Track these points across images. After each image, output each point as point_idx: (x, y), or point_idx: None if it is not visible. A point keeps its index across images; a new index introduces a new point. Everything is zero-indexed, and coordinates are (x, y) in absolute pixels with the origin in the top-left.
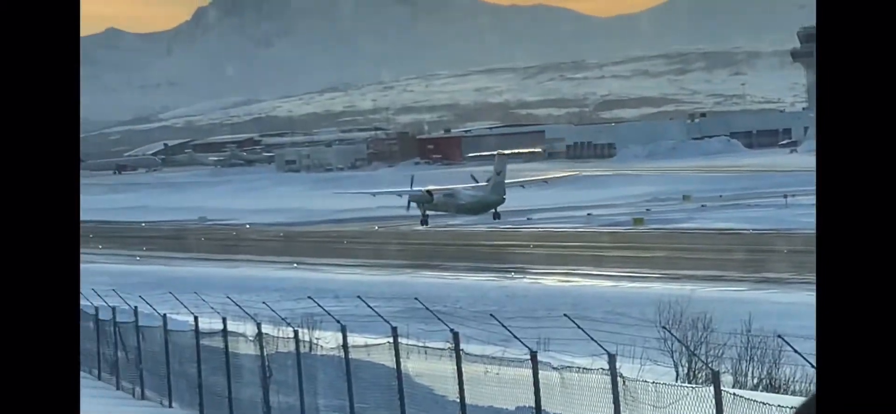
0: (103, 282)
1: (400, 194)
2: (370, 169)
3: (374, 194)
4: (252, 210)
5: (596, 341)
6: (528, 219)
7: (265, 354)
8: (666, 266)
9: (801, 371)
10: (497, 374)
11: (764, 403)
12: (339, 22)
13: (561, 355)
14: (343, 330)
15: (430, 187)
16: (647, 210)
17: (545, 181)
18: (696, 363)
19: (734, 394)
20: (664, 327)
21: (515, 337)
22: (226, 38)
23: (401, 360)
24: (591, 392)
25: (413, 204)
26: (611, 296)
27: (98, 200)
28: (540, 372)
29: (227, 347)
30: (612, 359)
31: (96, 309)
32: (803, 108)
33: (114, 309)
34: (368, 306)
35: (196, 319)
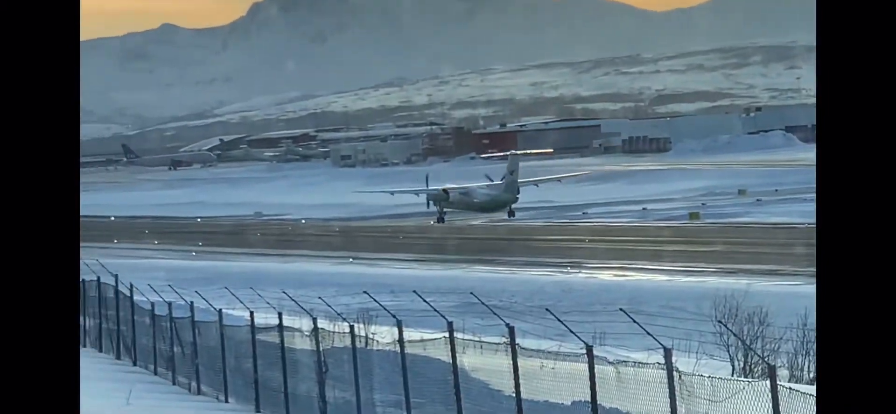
0: (159, 277)
1: (418, 193)
2: (425, 164)
3: (392, 193)
4: (308, 205)
5: (652, 335)
6: (584, 213)
7: (321, 349)
8: (722, 260)
9: None
10: (553, 368)
11: None
12: (394, 17)
13: (617, 350)
14: (399, 325)
15: (447, 186)
16: (703, 204)
17: (559, 180)
18: (752, 357)
19: (790, 388)
20: (720, 322)
21: (571, 331)
22: (281, 33)
23: (457, 354)
24: (646, 386)
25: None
26: (667, 290)
27: (154, 196)
28: (596, 366)
29: (282, 342)
30: (668, 353)
31: (152, 304)
32: None
33: (170, 304)
34: (424, 301)
35: (252, 314)
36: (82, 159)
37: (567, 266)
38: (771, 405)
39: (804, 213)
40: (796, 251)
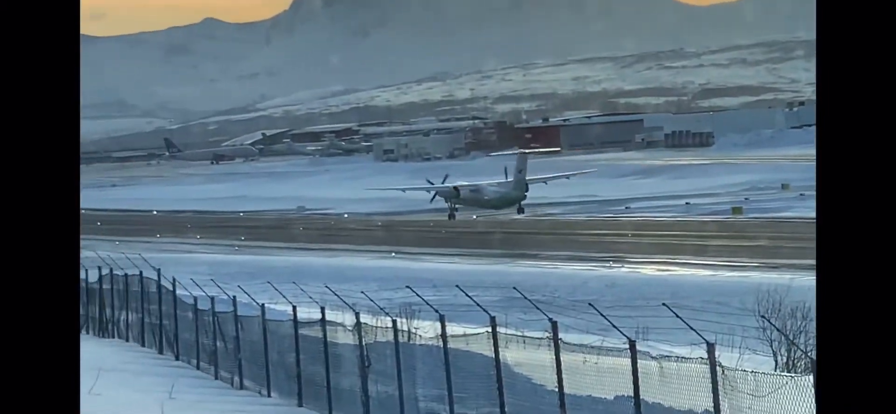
0: (202, 272)
1: (428, 189)
2: (468, 158)
3: (404, 190)
4: (350, 199)
5: (695, 330)
6: (627, 208)
7: (364, 343)
8: (765, 255)
9: None
10: (595, 363)
11: None
12: (436, 11)
13: (660, 344)
14: (441, 320)
15: (457, 183)
16: (746, 199)
17: (567, 177)
18: (795, 352)
19: None
20: (763, 317)
21: (614, 326)
22: (323, 27)
23: (499, 349)
24: (689, 381)
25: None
26: (709, 285)
27: (196, 190)
28: (638, 361)
29: (325, 336)
30: (710, 348)
31: (195, 299)
32: None
33: (212, 299)
34: (467, 296)
35: (295, 308)
36: (125, 154)
37: (610, 261)
38: (814, 401)
39: None
40: None
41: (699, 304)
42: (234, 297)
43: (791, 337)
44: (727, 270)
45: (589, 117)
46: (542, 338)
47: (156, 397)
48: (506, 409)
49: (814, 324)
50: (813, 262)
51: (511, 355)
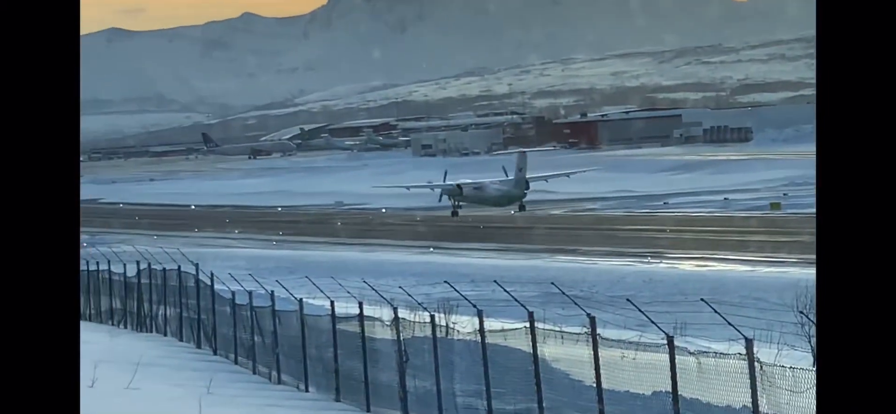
0: (240, 266)
1: (432, 188)
2: (506, 153)
3: (408, 188)
4: (388, 194)
5: (733, 326)
6: (665, 203)
7: (401, 338)
8: (804, 251)
9: None
10: (633, 358)
11: None
12: (474, 5)
13: (698, 340)
14: (480, 314)
15: (460, 181)
16: (785, 194)
17: (567, 175)
18: None
19: None
20: (801, 312)
21: (652, 322)
22: (362, 22)
23: (537, 344)
24: (727, 377)
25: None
26: (748, 280)
27: (234, 185)
28: (676, 357)
29: (363, 331)
30: (749, 344)
31: (233, 293)
32: None
33: (250, 293)
34: (505, 291)
35: (332, 303)
36: (163, 148)
37: (648, 256)
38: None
39: None
40: None
41: (737, 299)
42: (273, 291)
43: None
44: (766, 266)
45: (627, 112)
46: (580, 333)
47: (194, 392)
48: (543, 404)
49: None
50: None
51: (549, 351)
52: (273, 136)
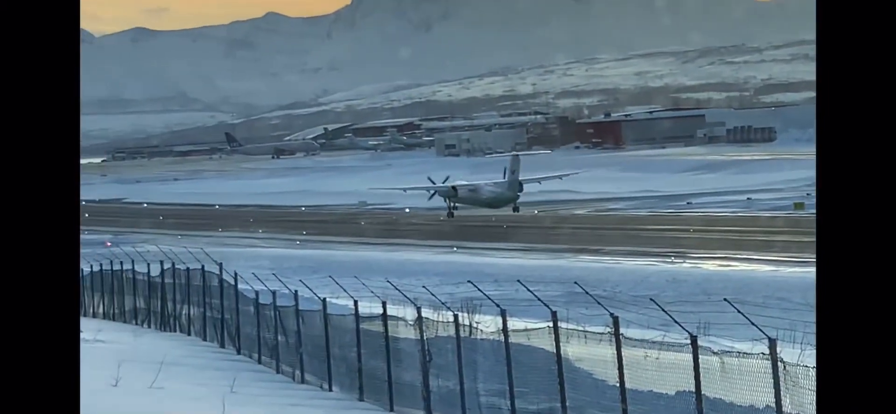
0: (264, 266)
1: (428, 189)
2: (530, 153)
3: (404, 190)
4: (412, 194)
5: (756, 326)
6: (688, 203)
7: (425, 338)
8: None
9: None
10: (657, 358)
11: None
12: (499, 5)
13: (721, 340)
14: (503, 314)
15: (455, 183)
16: (808, 194)
17: (559, 178)
18: None
19: None
20: None
21: (675, 321)
22: (386, 21)
23: (561, 344)
24: (751, 377)
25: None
26: (771, 280)
27: (257, 184)
28: (700, 356)
29: (386, 331)
30: (772, 344)
31: (256, 293)
32: None
33: (274, 293)
34: (528, 290)
35: (356, 303)
36: (187, 147)
37: (672, 256)
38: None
39: None
40: None
41: (761, 299)
42: (296, 291)
43: None
44: (789, 266)
45: (651, 112)
46: (603, 333)
47: (217, 391)
48: (567, 403)
49: None
50: None
51: (572, 350)
52: (297, 136)
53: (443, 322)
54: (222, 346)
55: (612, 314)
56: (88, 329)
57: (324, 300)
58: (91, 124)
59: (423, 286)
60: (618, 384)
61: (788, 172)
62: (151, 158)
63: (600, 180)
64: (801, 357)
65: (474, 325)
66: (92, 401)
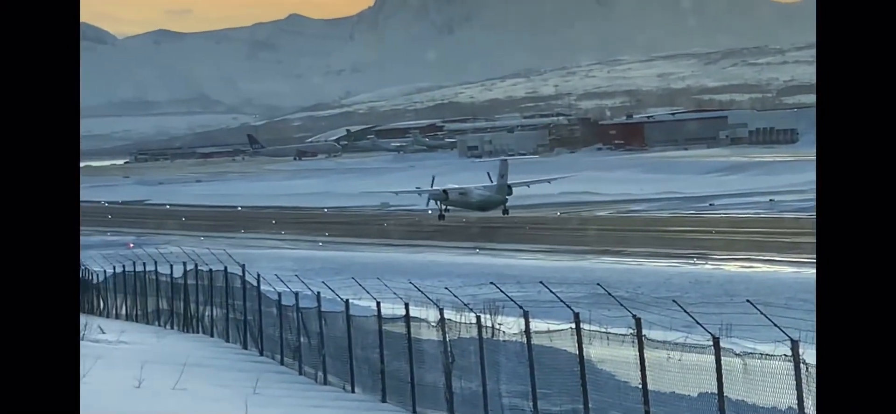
0: (286, 267)
1: (420, 193)
2: (552, 155)
3: (396, 193)
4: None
5: (779, 327)
6: (711, 204)
7: (447, 339)
8: None
9: None
10: (679, 360)
11: None
12: (521, 7)
13: (744, 341)
14: (526, 316)
15: (446, 187)
16: None
17: (549, 182)
18: None
19: None
20: None
21: (698, 323)
22: (409, 23)
23: (583, 345)
24: (773, 378)
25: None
26: (794, 282)
27: (280, 186)
28: (722, 358)
29: (409, 332)
30: (795, 345)
31: (279, 294)
32: None
33: (296, 294)
34: (551, 292)
35: (379, 304)
36: (210, 149)
37: (694, 257)
38: None
39: None
40: None
41: (783, 301)
42: (319, 293)
43: None
44: (812, 267)
45: (673, 114)
46: (625, 334)
47: (240, 392)
48: (589, 405)
49: None
50: None
51: (595, 352)
52: (319, 138)
53: (465, 323)
54: (245, 347)
55: (634, 316)
56: (111, 330)
57: (346, 301)
58: (114, 126)
59: (446, 288)
60: (640, 386)
61: (811, 174)
62: (174, 160)
63: (623, 182)
64: None
65: (497, 326)
66: (115, 402)
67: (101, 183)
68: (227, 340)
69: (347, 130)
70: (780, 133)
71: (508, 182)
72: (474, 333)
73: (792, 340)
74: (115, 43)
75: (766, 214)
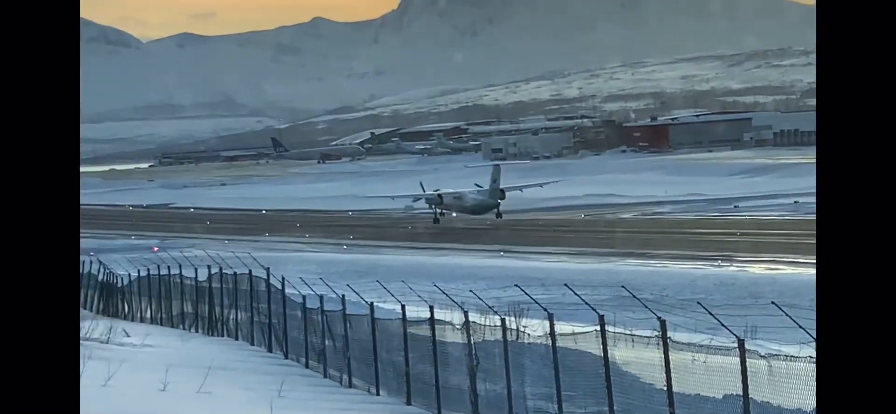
0: (311, 270)
1: (415, 198)
2: (576, 157)
3: (393, 198)
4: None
5: (804, 329)
6: (735, 207)
7: (472, 342)
8: None
9: None
10: (704, 362)
11: None
12: (545, 10)
13: (768, 343)
14: (550, 318)
15: (440, 191)
16: None
17: (541, 186)
18: None
19: None
20: None
21: (722, 325)
22: (432, 26)
23: (608, 348)
24: (798, 380)
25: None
26: None
27: (304, 189)
28: (747, 360)
29: (434, 335)
30: None
31: (304, 298)
32: None
33: (321, 297)
34: (576, 294)
35: (403, 307)
36: (233, 153)
37: (719, 259)
38: None
39: None
40: None
41: (808, 302)
42: (343, 295)
43: None
44: None
45: (697, 116)
46: (650, 336)
47: (265, 395)
48: (614, 407)
49: None
50: None
51: (620, 354)
52: (344, 141)
53: (490, 326)
54: (270, 350)
55: (659, 318)
56: (136, 333)
57: (371, 304)
58: (138, 130)
59: (471, 290)
60: (665, 388)
61: None
62: (199, 163)
63: (647, 184)
64: None
65: (521, 329)
66: (140, 405)
67: (125, 187)
68: (252, 344)
69: (372, 133)
70: (805, 135)
71: (501, 186)
72: (499, 335)
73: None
74: (140, 47)
75: (791, 216)
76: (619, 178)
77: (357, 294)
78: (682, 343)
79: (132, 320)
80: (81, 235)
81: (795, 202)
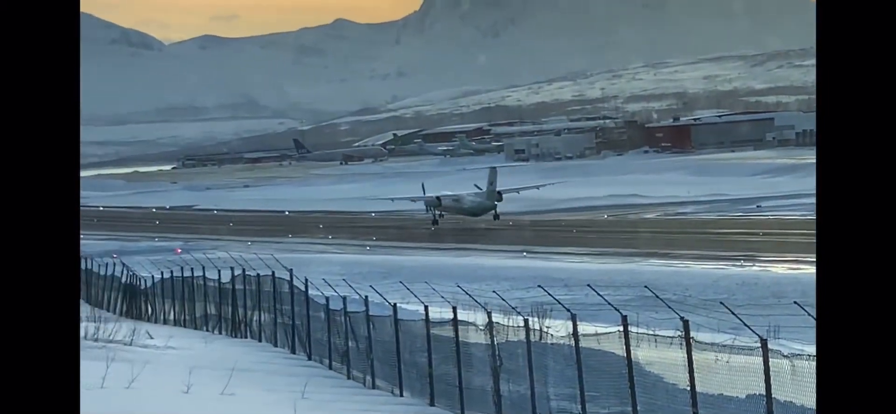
0: (334, 272)
1: (414, 200)
2: (599, 158)
3: (393, 200)
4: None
5: None
6: (758, 207)
7: (495, 342)
8: None
9: None
10: (727, 362)
11: None
12: (566, 10)
13: (792, 343)
14: (573, 319)
15: (439, 194)
16: None
17: (537, 188)
18: None
19: None
20: None
21: (745, 325)
22: (454, 27)
23: (631, 348)
24: None
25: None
26: None
27: (327, 191)
28: (770, 360)
29: (457, 336)
30: None
31: (327, 299)
32: None
33: (344, 299)
34: (599, 295)
35: (426, 308)
36: (256, 154)
37: (741, 259)
38: None
39: None
40: None
41: None
42: (366, 297)
43: None
44: None
45: (720, 116)
46: (673, 336)
47: (288, 397)
48: (638, 407)
49: None
50: None
51: (643, 354)
52: (367, 142)
53: (513, 327)
54: (293, 352)
55: (682, 318)
56: (159, 335)
57: (394, 305)
58: (161, 132)
59: (494, 291)
60: (688, 388)
61: None
62: (221, 165)
63: (670, 184)
64: None
65: (544, 329)
66: (164, 407)
67: (149, 189)
68: (275, 345)
69: (394, 134)
70: None
71: (497, 189)
72: (522, 336)
73: None
74: (162, 48)
75: (813, 215)
76: (642, 178)
77: (380, 295)
78: (705, 343)
79: (155, 322)
80: (105, 237)
81: None
